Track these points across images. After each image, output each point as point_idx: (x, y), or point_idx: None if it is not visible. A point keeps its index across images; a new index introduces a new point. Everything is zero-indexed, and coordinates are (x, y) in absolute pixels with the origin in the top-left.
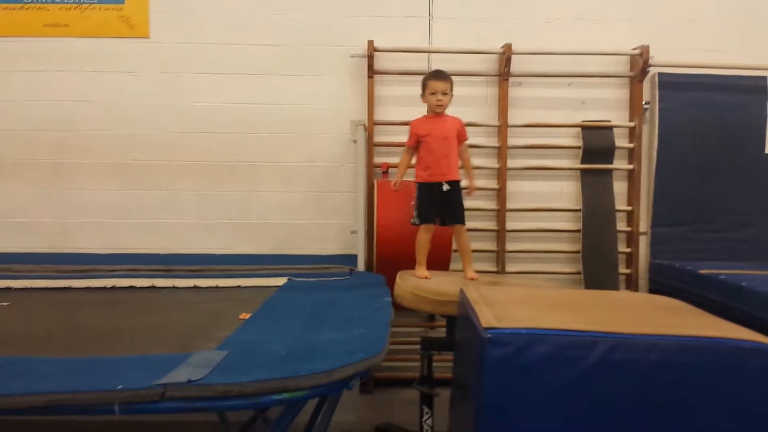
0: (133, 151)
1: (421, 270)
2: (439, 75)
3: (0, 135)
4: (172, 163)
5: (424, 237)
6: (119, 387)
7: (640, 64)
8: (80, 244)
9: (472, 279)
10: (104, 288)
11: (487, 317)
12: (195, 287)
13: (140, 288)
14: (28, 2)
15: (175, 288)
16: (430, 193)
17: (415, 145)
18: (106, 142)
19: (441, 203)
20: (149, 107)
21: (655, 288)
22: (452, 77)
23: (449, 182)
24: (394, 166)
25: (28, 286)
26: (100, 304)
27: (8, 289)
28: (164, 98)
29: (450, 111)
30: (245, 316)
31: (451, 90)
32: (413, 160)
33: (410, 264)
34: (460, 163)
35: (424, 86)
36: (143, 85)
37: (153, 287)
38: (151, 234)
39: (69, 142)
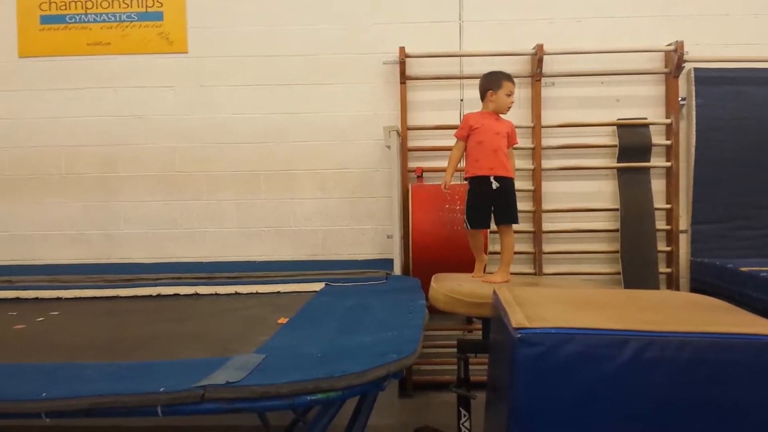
0: (175, 163)
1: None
2: (511, 76)
3: (47, 151)
4: (212, 174)
5: (471, 243)
6: (161, 389)
7: (674, 60)
8: (126, 255)
9: (493, 281)
10: (149, 296)
11: (518, 317)
12: (236, 293)
13: (184, 295)
14: (71, 23)
15: (217, 295)
16: (480, 189)
17: (466, 137)
18: (148, 156)
19: (491, 202)
20: (189, 120)
21: (696, 287)
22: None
23: (498, 178)
24: (429, 170)
25: (77, 296)
26: (145, 311)
27: (59, 299)
28: (203, 111)
29: None
30: (283, 320)
31: None
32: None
33: (446, 267)
34: None
35: (498, 84)
36: (183, 98)
37: (196, 294)
38: (194, 243)
39: (113, 156)
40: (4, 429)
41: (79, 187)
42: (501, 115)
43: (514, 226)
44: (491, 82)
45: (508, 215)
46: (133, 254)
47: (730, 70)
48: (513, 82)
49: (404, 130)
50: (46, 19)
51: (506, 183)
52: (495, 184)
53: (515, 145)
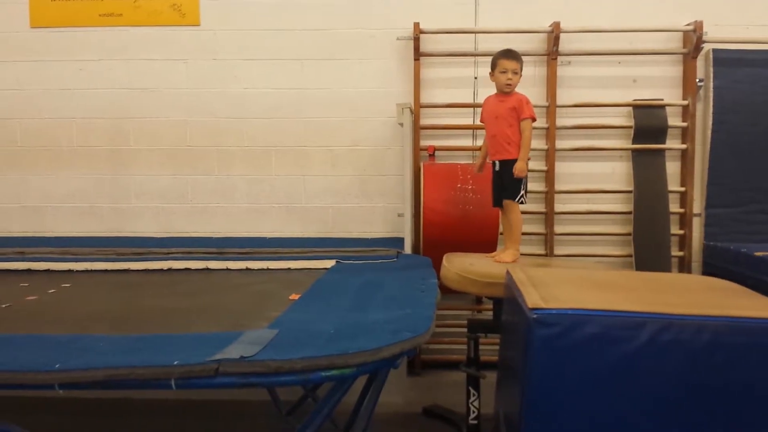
0: (186, 137)
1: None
2: (510, 54)
3: (58, 123)
4: (223, 149)
5: (503, 222)
6: (175, 362)
7: (693, 40)
8: (137, 228)
9: (503, 260)
10: (161, 270)
11: (533, 298)
12: (247, 269)
13: (195, 270)
14: None
15: (228, 270)
16: (493, 173)
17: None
18: (159, 129)
19: (499, 183)
20: (201, 94)
21: (708, 271)
22: None
23: (500, 161)
24: (441, 148)
25: (89, 269)
26: (156, 285)
27: (70, 271)
28: (215, 85)
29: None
30: (295, 296)
31: (521, 70)
32: None
33: (457, 247)
34: None
35: (494, 65)
36: (195, 72)
37: (207, 269)
38: (205, 218)
39: (124, 129)
40: (18, 399)
41: (90, 159)
42: (516, 90)
43: (526, 206)
44: (491, 67)
45: (506, 192)
46: (144, 228)
47: (750, 52)
48: (510, 58)
49: (417, 108)
50: None
51: (505, 164)
52: (497, 166)
53: (527, 118)
